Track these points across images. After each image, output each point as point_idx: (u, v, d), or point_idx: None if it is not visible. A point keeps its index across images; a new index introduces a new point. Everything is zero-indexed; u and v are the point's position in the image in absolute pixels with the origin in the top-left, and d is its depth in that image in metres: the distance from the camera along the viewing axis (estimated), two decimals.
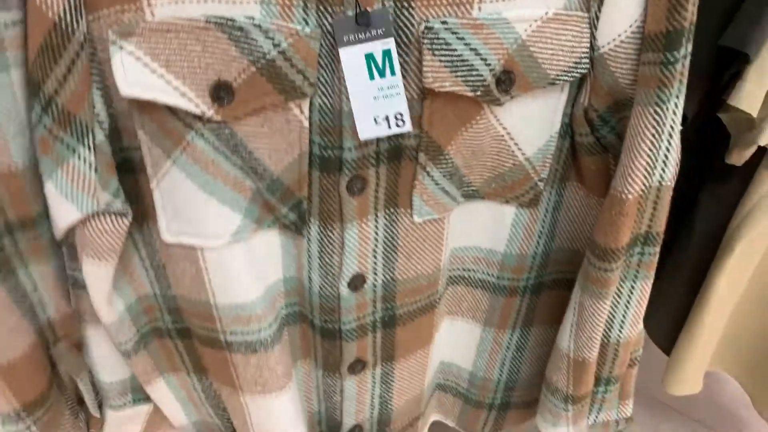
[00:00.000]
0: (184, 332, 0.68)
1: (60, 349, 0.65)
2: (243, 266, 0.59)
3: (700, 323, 0.83)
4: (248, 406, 0.69)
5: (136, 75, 0.48)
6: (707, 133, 0.77)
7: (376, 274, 0.63)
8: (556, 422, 0.74)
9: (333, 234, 0.59)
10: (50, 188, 0.51)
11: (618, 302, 0.66)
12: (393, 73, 0.51)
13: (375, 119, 0.52)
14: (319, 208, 0.58)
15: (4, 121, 0.49)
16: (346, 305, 0.63)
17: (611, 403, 0.75)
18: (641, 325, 0.70)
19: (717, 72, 0.68)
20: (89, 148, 0.51)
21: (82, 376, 0.68)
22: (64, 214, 0.52)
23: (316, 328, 0.66)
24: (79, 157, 0.51)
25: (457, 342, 0.78)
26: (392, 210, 0.60)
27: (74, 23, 0.47)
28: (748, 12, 0.64)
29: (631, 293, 0.65)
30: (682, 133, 0.78)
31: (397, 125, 0.53)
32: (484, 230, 0.67)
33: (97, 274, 0.57)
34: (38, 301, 0.60)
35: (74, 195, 0.51)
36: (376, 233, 0.61)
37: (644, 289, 0.65)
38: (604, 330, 0.67)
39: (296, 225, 0.59)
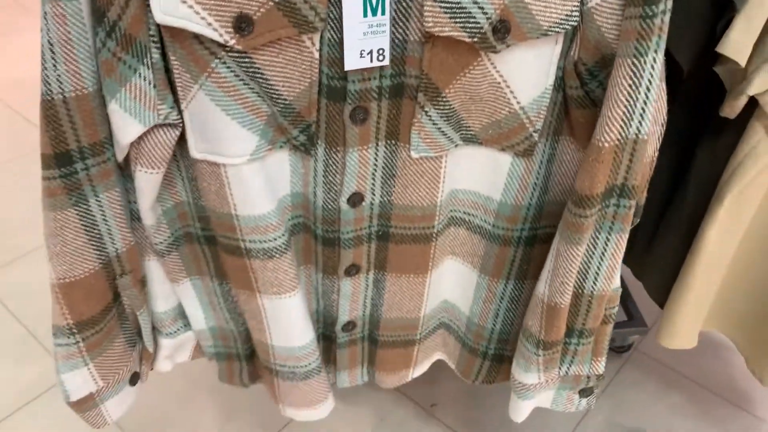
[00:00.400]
0: (210, 239, 0.77)
1: (124, 282, 0.75)
2: (259, 182, 0.68)
3: (692, 275, 0.87)
4: (265, 307, 0.78)
5: (169, 5, 0.56)
6: (706, 88, 0.80)
7: (373, 194, 0.71)
8: (528, 367, 0.80)
9: (337, 156, 0.67)
10: (114, 108, 0.61)
11: (593, 253, 0.70)
12: (383, 13, 0.58)
13: (361, 53, 0.60)
14: (326, 132, 0.66)
15: (76, 46, 0.59)
16: (345, 218, 0.71)
17: (584, 357, 0.80)
18: (617, 281, 0.74)
19: (713, 25, 0.71)
20: (148, 67, 0.60)
21: (142, 311, 0.79)
22: (127, 129, 0.62)
23: (318, 237, 0.75)
24: (139, 76, 0.60)
25: (457, 284, 0.85)
26: (392, 142, 0.67)
27: None
28: None
29: (606, 245, 0.70)
30: (681, 88, 0.82)
31: (378, 59, 0.60)
32: (482, 176, 0.73)
33: (148, 181, 0.67)
34: (107, 231, 0.70)
35: (137, 110, 0.61)
36: (376, 160, 0.68)
37: (619, 242, 0.70)
38: (579, 280, 0.72)
39: (305, 146, 0.67)
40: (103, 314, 0.74)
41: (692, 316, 0.92)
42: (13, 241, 1.70)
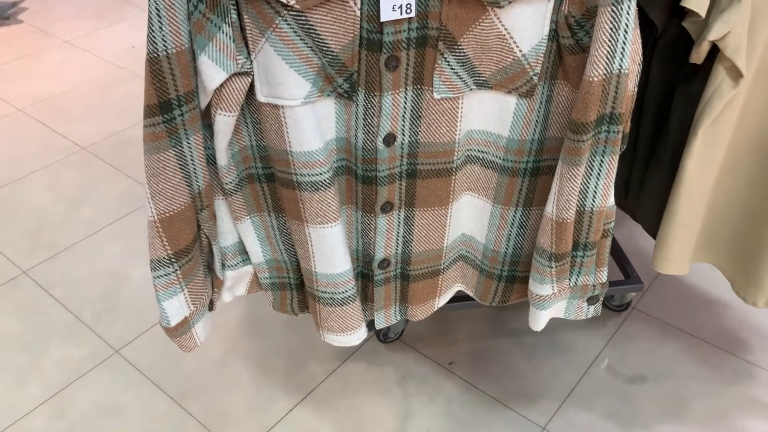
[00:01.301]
0: (269, 177, 0.92)
1: (204, 215, 0.90)
2: (310, 123, 0.82)
3: (677, 202, 1.01)
4: (311, 236, 0.92)
5: None
6: (679, 43, 0.95)
7: (404, 134, 0.85)
8: (543, 279, 0.94)
9: (374, 100, 0.82)
10: (204, 59, 0.76)
11: (590, 174, 0.85)
12: None
13: (393, 6, 0.74)
14: (365, 80, 0.80)
15: (178, 10, 0.73)
16: (381, 157, 0.86)
17: (589, 268, 0.94)
18: (612, 199, 0.89)
19: None
20: (228, 25, 0.75)
21: (216, 242, 0.94)
22: (214, 77, 0.77)
23: (359, 176, 0.89)
24: (222, 32, 0.75)
25: (473, 216, 0.99)
26: (418, 86, 0.82)
27: None
28: None
29: (601, 166, 0.84)
30: (659, 44, 0.97)
31: (407, 12, 0.75)
32: (492, 116, 0.88)
33: (225, 123, 0.82)
34: (193, 170, 0.85)
35: (221, 60, 0.76)
36: (405, 102, 0.82)
37: (611, 162, 0.84)
38: (580, 200, 0.87)
39: (348, 93, 0.81)
40: (193, 243, 0.89)
41: (680, 241, 1.05)
42: (51, 239, 1.83)
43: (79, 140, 2.24)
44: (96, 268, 1.74)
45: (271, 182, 0.93)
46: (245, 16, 0.76)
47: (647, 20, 0.95)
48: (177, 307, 0.93)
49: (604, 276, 0.96)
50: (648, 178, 1.07)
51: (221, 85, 0.79)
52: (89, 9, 3.13)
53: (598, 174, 0.85)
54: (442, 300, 1.09)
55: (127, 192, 2.01)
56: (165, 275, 0.89)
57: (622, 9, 0.74)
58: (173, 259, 0.88)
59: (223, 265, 1.01)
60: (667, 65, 0.98)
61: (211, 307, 0.99)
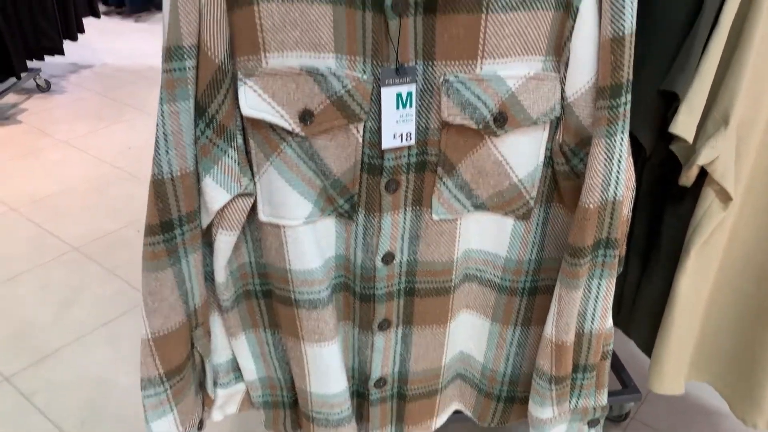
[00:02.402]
0: (267, 293, 0.91)
1: (198, 332, 0.89)
2: (311, 242, 0.83)
3: (670, 320, 1.01)
4: (307, 353, 0.91)
5: (252, 101, 0.74)
6: (668, 164, 0.98)
7: (402, 253, 0.86)
8: (543, 402, 0.92)
9: (374, 221, 0.83)
10: (208, 181, 0.77)
11: (588, 297, 0.85)
12: (411, 105, 0.76)
13: (394, 135, 0.77)
14: (366, 201, 0.82)
15: (185, 135, 0.75)
16: (379, 275, 0.86)
17: (589, 390, 0.93)
18: (610, 321, 0.89)
19: (664, 113, 0.91)
20: (234, 149, 0.77)
21: (208, 360, 0.92)
22: (217, 199, 0.78)
23: (357, 294, 0.89)
24: (228, 156, 0.77)
25: (472, 334, 0.98)
26: (417, 207, 0.83)
27: (229, 65, 0.74)
28: (678, 63, 0.87)
29: (599, 289, 0.85)
30: (648, 165, 1.00)
31: (407, 140, 0.77)
32: (490, 237, 0.89)
33: (226, 243, 0.82)
34: (191, 288, 0.85)
35: (225, 182, 0.78)
36: (404, 223, 0.84)
37: (609, 286, 0.85)
38: (579, 322, 0.87)
39: (349, 213, 0.83)
40: (186, 362, 0.87)
41: (675, 360, 1.05)
42: (37, 342, 1.79)
43: (72, 240, 2.23)
44: (82, 374, 1.69)
45: (269, 299, 0.93)
46: (251, 141, 0.79)
47: (636, 141, 0.99)
48: (165, 428, 0.90)
49: (604, 398, 0.95)
50: (640, 296, 1.08)
51: (224, 206, 0.80)
52: (88, 110, 3.21)
53: (596, 297, 0.86)
54: (440, 420, 1.06)
55: (118, 294, 1.99)
56: (155, 395, 0.87)
57: (615, 141, 0.77)
58: (165, 379, 0.86)
59: (215, 383, 0.99)
60: (656, 185, 1.01)
61: (200, 426, 0.96)
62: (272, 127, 0.77)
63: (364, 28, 0.73)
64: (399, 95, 0.76)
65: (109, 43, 4.16)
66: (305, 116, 0.75)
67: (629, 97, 0.76)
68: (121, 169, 2.67)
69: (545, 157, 0.83)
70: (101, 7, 4.40)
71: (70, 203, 2.44)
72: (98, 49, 4.02)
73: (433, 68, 0.75)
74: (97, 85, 3.53)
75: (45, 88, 3.39)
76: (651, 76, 0.89)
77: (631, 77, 0.75)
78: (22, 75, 3.04)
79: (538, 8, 0.73)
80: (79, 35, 3.39)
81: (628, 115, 0.77)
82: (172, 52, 0.72)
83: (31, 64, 3.20)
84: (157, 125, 0.75)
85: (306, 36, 0.73)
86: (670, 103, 0.90)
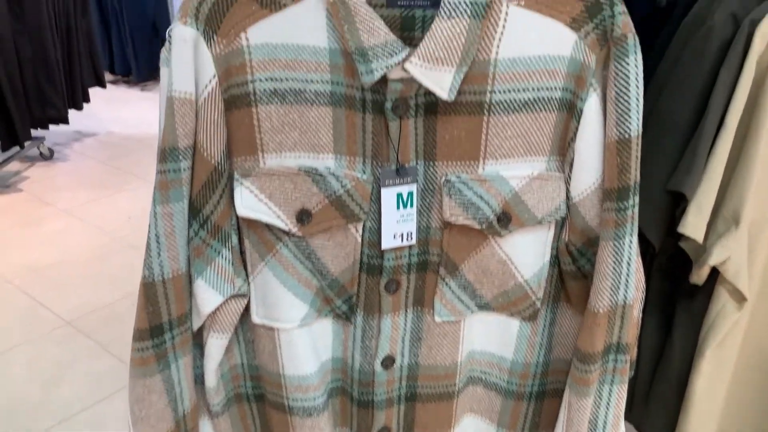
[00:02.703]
0: (259, 397, 0.87)
1: None
2: (306, 346, 0.79)
3: (687, 424, 0.96)
4: None
5: (249, 201, 0.72)
6: (677, 260, 0.95)
7: (403, 356, 0.82)
8: None
9: (372, 322, 0.79)
10: (200, 283, 0.74)
11: (599, 404, 0.81)
12: (411, 206, 0.74)
13: (394, 235, 0.74)
14: (364, 302, 0.79)
15: (178, 236, 0.73)
16: (378, 380, 0.81)
17: None
18: (623, 428, 0.84)
19: (673, 211, 0.89)
20: (228, 249, 0.74)
21: None
22: (209, 301, 0.75)
23: (354, 399, 0.84)
24: (222, 257, 0.74)
25: None
26: (418, 308, 0.80)
27: (225, 165, 0.72)
28: (684, 162, 0.86)
29: (610, 395, 0.81)
30: (656, 260, 0.97)
31: (408, 240, 0.75)
32: (495, 338, 0.85)
33: (217, 346, 0.78)
34: (180, 393, 0.80)
35: (218, 284, 0.74)
36: (405, 325, 0.80)
37: (621, 392, 0.81)
38: (591, 430, 0.82)
39: (347, 314, 0.79)
40: None
41: None
42: (27, 422, 1.73)
43: (66, 314, 2.19)
44: None
45: (261, 403, 0.88)
46: (246, 241, 0.76)
47: (643, 236, 0.96)
48: None
49: None
50: (654, 393, 1.03)
51: (216, 308, 0.77)
52: (90, 179, 3.22)
53: (608, 404, 0.81)
54: None
55: (108, 372, 1.93)
56: None
57: (624, 243, 0.74)
58: None
59: None
60: (666, 281, 0.98)
61: None
62: (268, 227, 0.74)
63: (364, 130, 0.71)
64: (399, 195, 0.74)
65: (114, 111, 4.21)
66: (303, 216, 0.73)
67: (637, 199, 0.74)
68: (121, 239, 2.65)
69: (551, 256, 0.80)
70: (108, 76, 4.48)
71: (68, 274, 2.41)
72: (104, 117, 4.07)
73: (434, 168, 0.73)
74: (101, 153, 3.56)
75: (48, 156, 3.41)
76: (657, 174, 0.88)
77: (638, 179, 0.73)
78: (26, 144, 3.06)
79: (540, 110, 0.71)
80: (85, 104, 3.43)
81: (636, 217, 0.74)
82: (167, 154, 0.70)
83: (35, 132, 3.22)
84: (149, 227, 0.72)
85: (305, 137, 0.71)
86: (678, 200, 0.88)
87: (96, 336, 2.09)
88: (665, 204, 0.90)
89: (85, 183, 3.17)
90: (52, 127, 3.26)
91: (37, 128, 3.17)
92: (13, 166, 3.31)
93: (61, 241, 2.63)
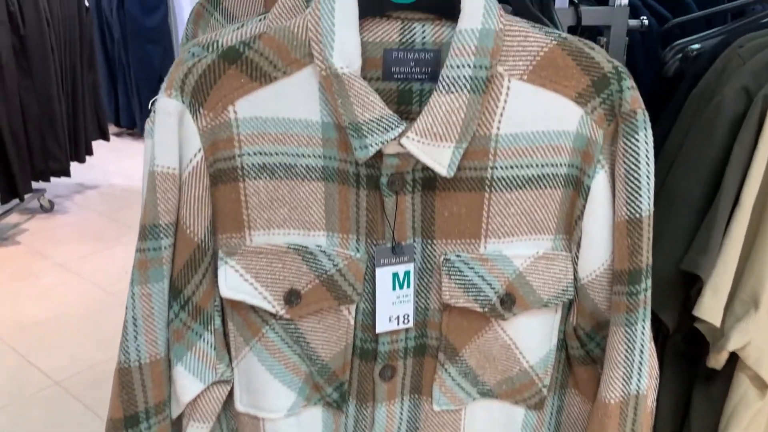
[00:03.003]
0: None
1: None
2: None
3: None
4: None
5: (233, 282, 0.67)
6: (693, 341, 0.89)
7: None
8: None
9: (366, 411, 0.73)
10: (180, 370, 0.69)
11: None
12: (408, 286, 0.69)
13: (389, 318, 0.69)
14: (357, 390, 0.73)
15: (156, 319, 0.68)
16: None
17: None
18: None
19: (687, 292, 0.83)
20: (211, 332, 0.69)
21: None
22: (190, 388, 0.69)
23: None
24: (204, 340, 0.69)
25: None
26: (416, 396, 0.74)
27: (209, 243, 0.67)
28: (698, 242, 0.81)
29: None
30: (670, 341, 0.91)
31: (404, 323, 0.70)
32: (498, 428, 0.79)
33: None
34: None
35: (199, 371, 0.69)
36: (401, 414, 0.74)
37: None
38: None
39: (338, 403, 0.73)
40: None
41: None
42: None
43: (54, 373, 2.12)
44: None
45: None
46: (230, 323, 0.71)
47: (656, 316, 0.91)
48: None
49: None
50: None
51: (196, 396, 0.71)
52: (89, 231, 3.19)
53: None
54: None
55: None
56: None
57: (636, 330, 0.69)
58: None
59: None
60: (681, 363, 0.92)
61: None
62: (254, 309, 0.70)
63: (358, 206, 0.67)
64: (395, 275, 0.69)
65: (118, 163, 4.21)
66: (291, 297, 0.68)
67: (649, 282, 0.69)
68: (114, 295, 2.59)
69: (558, 340, 0.75)
70: (113, 128, 4.50)
71: (58, 332, 2.35)
72: (107, 169, 4.06)
73: (432, 247, 0.69)
74: (102, 205, 3.54)
75: (48, 209, 3.39)
76: (670, 251, 0.83)
77: (650, 261, 0.69)
78: (26, 196, 3.04)
79: (545, 186, 0.67)
80: (88, 157, 3.43)
81: (648, 301, 0.69)
82: (147, 231, 0.66)
83: (37, 184, 3.21)
84: (126, 308, 0.67)
85: (295, 213, 0.67)
86: (692, 279, 0.83)
87: (84, 397, 2.01)
88: (679, 283, 0.85)
89: (84, 236, 3.14)
90: (53, 179, 3.25)
91: (38, 180, 3.16)
92: (13, 218, 3.29)
93: (54, 297, 2.58)
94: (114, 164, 4.17)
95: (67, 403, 1.99)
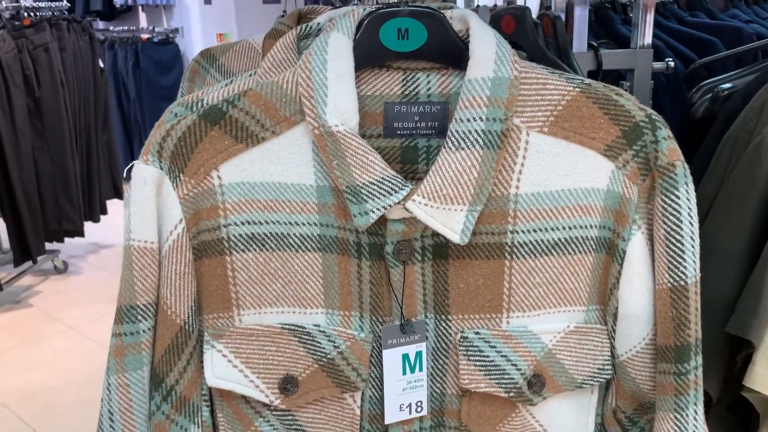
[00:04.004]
0: None
1: None
2: None
3: None
4: None
5: (221, 369, 0.59)
6: (739, 410, 0.79)
7: None
8: None
9: None
10: None
11: None
12: (421, 369, 0.60)
13: (400, 406, 0.60)
14: None
15: (135, 413, 0.60)
16: None
17: None
18: None
19: (732, 354, 0.74)
20: (198, 426, 0.61)
21: None
22: None
23: None
24: None
25: None
26: None
27: (194, 324, 0.59)
28: (746, 302, 0.71)
29: None
30: (715, 413, 0.81)
31: (417, 411, 0.61)
32: None
33: None
34: None
35: None
36: None
37: None
38: None
39: None
40: None
41: None
42: None
43: None
44: None
45: None
46: (219, 415, 0.63)
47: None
48: None
49: None
50: None
51: None
52: (102, 293, 3.13)
53: None
54: None
55: None
56: None
57: (687, 415, 0.59)
58: None
59: None
60: None
61: None
62: (245, 399, 0.61)
63: (361, 279, 0.59)
64: (406, 357, 0.61)
65: None
66: (287, 385, 0.60)
67: (700, 359, 0.60)
68: None
69: (596, 425, 0.66)
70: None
71: (66, 399, 2.26)
72: (122, 226, 4.04)
73: (447, 323, 0.60)
74: (116, 264, 3.49)
75: (62, 270, 3.35)
76: (710, 314, 0.74)
77: (700, 335, 0.59)
78: (39, 258, 3.01)
79: (574, 251, 0.59)
80: (102, 216, 3.40)
81: (701, 382, 0.60)
82: (123, 314, 0.58)
83: (51, 245, 3.17)
84: (102, 401, 0.60)
85: (288, 289, 0.59)
86: (738, 344, 0.73)
87: None
88: (723, 347, 0.76)
89: (97, 298, 3.08)
90: (67, 239, 3.21)
91: (52, 242, 3.12)
92: (26, 280, 3.24)
93: (63, 362, 2.50)
94: None
95: None
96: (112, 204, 3.56)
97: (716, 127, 0.94)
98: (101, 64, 3.38)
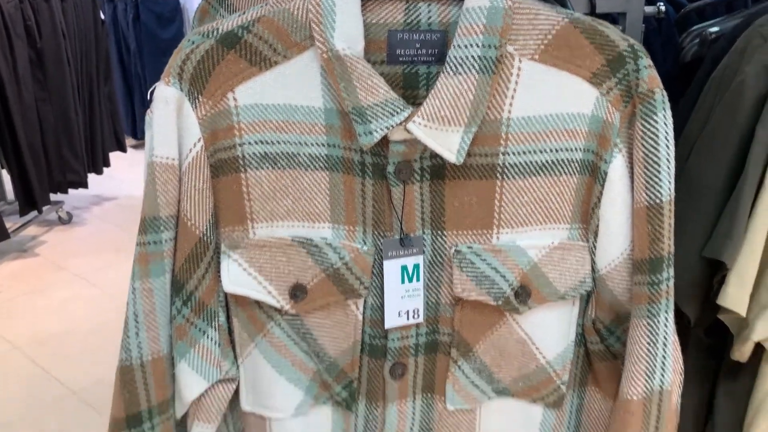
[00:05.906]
0: None
1: None
2: None
3: None
4: None
5: (236, 276, 0.65)
6: (716, 333, 0.86)
7: None
8: None
9: (377, 411, 0.71)
10: (183, 367, 0.67)
11: None
12: (418, 279, 0.66)
13: (399, 312, 0.66)
14: (367, 388, 0.70)
15: (158, 315, 0.66)
16: None
17: None
18: None
19: (710, 280, 0.80)
20: (215, 329, 0.67)
21: None
22: (193, 387, 0.67)
23: None
24: (207, 337, 0.67)
25: None
26: (428, 395, 0.71)
27: (211, 236, 0.65)
28: (721, 227, 0.77)
29: None
30: (693, 334, 0.88)
31: (414, 317, 0.67)
32: (516, 427, 0.76)
33: None
34: None
35: (203, 368, 0.67)
36: (413, 414, 0.71)
37: None
38: None
39: (347, 402, 0.71)
40: None
41: None
42: None
43: (72, 384, 2.11)
44: None
45: None
46: (234, 319, 0.69)
47: (678, 309, 0.87)
48: None
49: None
50: None
51: (201, 395, 0.69)
52: (107, 243, 3.19)
53: None
54: None
55: None
56: None
57: (659, 321, 0.65)
58: None
59: None
60: (704, 358, 0.88)
61: None
62: (258, 305, 0.67)
63: (364, 196, 0.65)
64: (404, 268, 0.67)
65: (135, 175, 4.23)
66: (296, 291, 0.66)
67: (672, 271, 0.66)
68: None
69: (576, 335, 0.72)
70: (130, 140, 4.53)
71: (74, 345, 2.34)
72: (125, 180, 4.08)
73: (443, 238, 0.66)
74: (120, 217, 3.55)
75: (66, 221, 3.40)
76: (691, 239, 0.80)
77: (672, 249, 0.65)
78: (44, 208, 3.06)
79: (560, 173, 0.64)
80: (105, 168, 3.44)
81: (671, 291, 0.66)
82: (147, 224, 0.64)
83: (55, 196, 3.22)
84: (128, 304, 0.65)
85: (298, 205, 0.65)
86: (715, 268, 0.79)
87: (103, 409, 2.00)
88: (701, 272, 0.81)
89: (102, 247, 3.14)
90: (71, 190, 3.26)
91: (56, 192, 3.17)
92: (31, 230, 3.30)
93: (70, 310, 2.58)
94: (131, 176, 4.18)
95: (85, 414, 1.98)
96: (115, 157, 3.60)
97: (703, 69, 0.99)
98: (102, 16, 3.38)
